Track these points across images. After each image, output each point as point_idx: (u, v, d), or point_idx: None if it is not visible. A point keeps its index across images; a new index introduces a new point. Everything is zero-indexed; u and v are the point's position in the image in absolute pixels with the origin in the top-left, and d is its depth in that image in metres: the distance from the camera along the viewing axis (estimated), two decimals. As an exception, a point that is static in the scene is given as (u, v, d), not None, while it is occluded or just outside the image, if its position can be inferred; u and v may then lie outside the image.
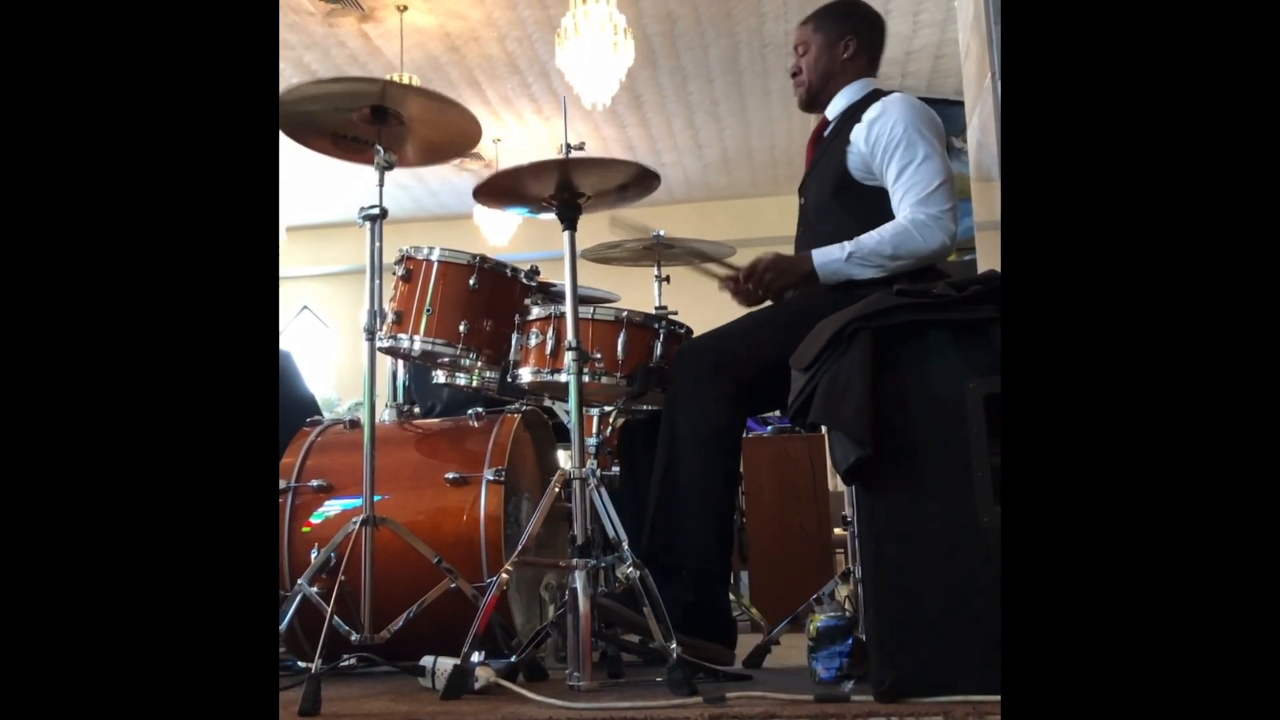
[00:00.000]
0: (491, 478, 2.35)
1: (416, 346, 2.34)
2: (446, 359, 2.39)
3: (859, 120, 2.26)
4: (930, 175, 2.17)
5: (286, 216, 8.61)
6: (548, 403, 2.64)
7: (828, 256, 2.20)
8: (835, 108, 2.38)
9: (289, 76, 6.74)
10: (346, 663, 2.12)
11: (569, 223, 2.12)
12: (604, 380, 2.24)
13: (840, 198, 2.26)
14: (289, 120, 2.21)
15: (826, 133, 2.38)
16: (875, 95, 2.34)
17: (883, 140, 2.20)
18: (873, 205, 2.22)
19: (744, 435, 2.23)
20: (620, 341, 2.25)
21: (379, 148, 2.20)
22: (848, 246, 2.18)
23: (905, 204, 2.18)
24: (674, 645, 1.83)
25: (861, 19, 2.45)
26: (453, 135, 2.35)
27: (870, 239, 2.17)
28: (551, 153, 2.09)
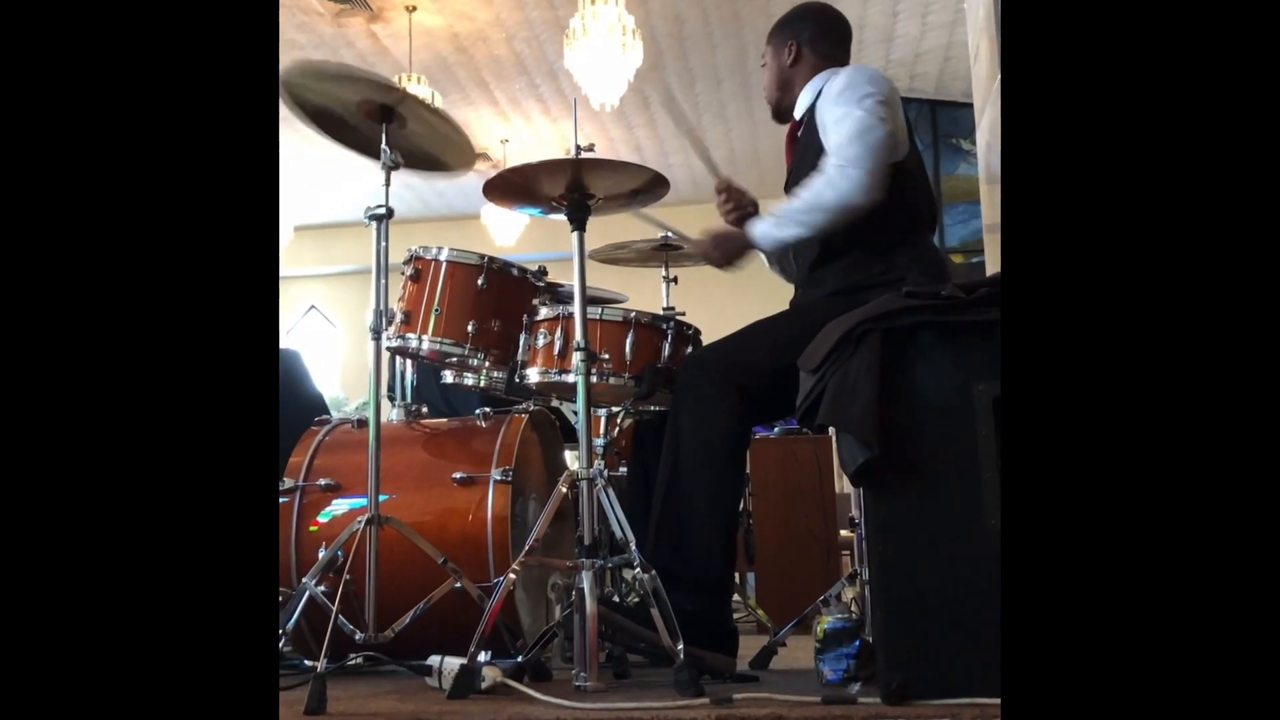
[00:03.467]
0: (499, 478, 2.35)
1: (424, 346, 2.35)
2: (454, 359, 2.39)
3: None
4: (848, 127, 2.13)
5: (294, 216, 8.61)
6: (555, 403, 2.64)
7: (760, 224, 2.21)
8: (801, 107, 2.38)
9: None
10: (353, 662, 2.12)
11: (578, 223, 2.12)
12: (612, 381, 2.24)
13: None
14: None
15: (800, 133, 2.37)
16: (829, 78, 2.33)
17: (826, 102, 2.20)
18: None
19: (750, 438, 2.22)
20: (628, 342, 2.25)
21: (385, 148, 2.21)
22: (776, 210, 2.19)
23: (826, 155, 2.16)
24: (680, 646, 1.83)
25: (804, 20, 2.45)
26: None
27: (792, 200, 2.16)
28: (559, 154, 2.09)
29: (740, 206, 2.43)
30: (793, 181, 2.35)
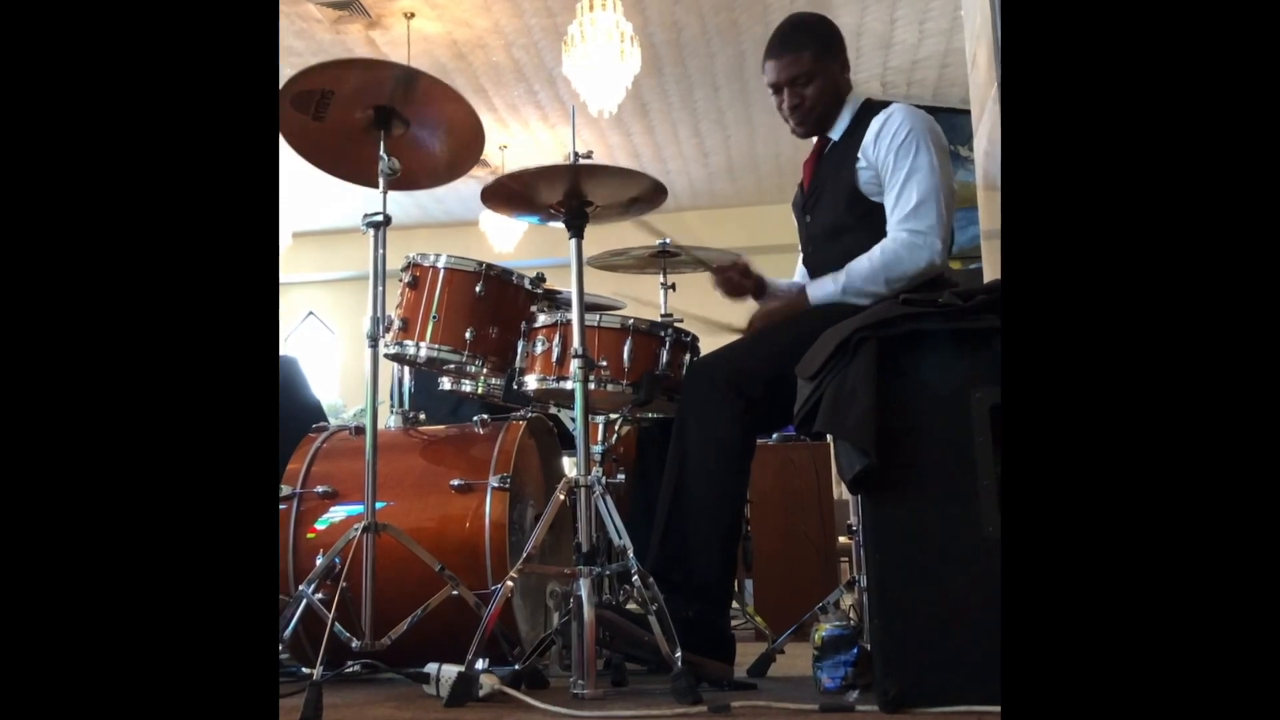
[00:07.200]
0: (496, 485, 2.35)
1: (422, 353, 2.35)
2: (452, 366, 2.39)
3: (863, 135, 2.23)
4: (918, 188, 2.14)
5: (292, 223, 8.62)
6: (553, 410, 2.64)
7: (822, 292, 2.19)
8: (840, 127, 2.32)
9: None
10: (350, 669, 2.12)
11: (576, 230, 2.12)
12: (609, 388, 2.24)
13: (855, 219, 2.23)
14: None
15: (827, 150, 2.34)
16: (870, 106, 2.30)
17: (884, 145, 2.18)
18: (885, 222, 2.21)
19: (755, 445, 2.21)
20: (626, 349, 2.24)
21: (383, 155, 2.21)
22: (840, 279, 2.16)
23: (893, 219, 2.16)
24: (679, 654, 1.82)
25: (837, 33, 2.41)
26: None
27: (861, 267, 2.15)
28: (558, 160, 2.08)
29: (737, 285, 2.38)
30: (814, 203, 2.34)
